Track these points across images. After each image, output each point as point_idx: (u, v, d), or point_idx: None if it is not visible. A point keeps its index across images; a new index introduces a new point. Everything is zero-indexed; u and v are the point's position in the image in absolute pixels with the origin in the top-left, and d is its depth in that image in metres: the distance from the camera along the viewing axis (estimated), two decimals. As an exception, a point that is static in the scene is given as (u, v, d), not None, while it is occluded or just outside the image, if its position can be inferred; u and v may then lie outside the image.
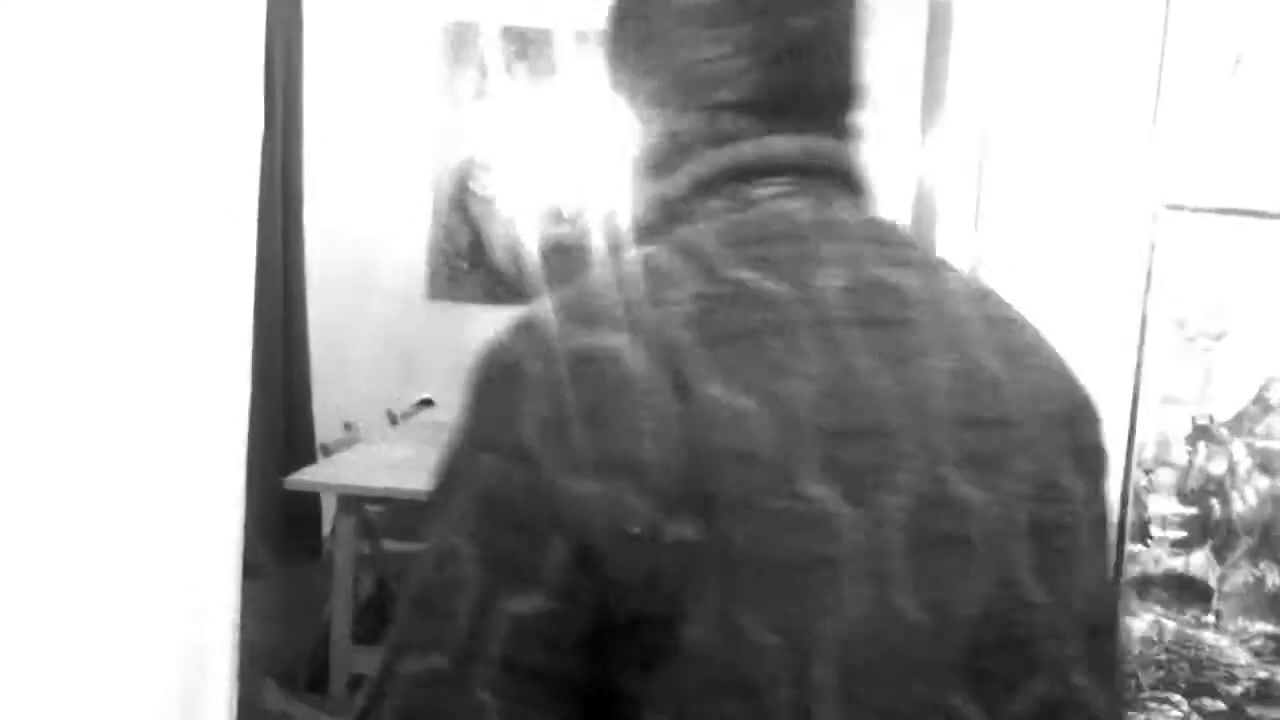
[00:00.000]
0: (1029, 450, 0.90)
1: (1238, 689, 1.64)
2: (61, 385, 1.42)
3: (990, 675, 0.85)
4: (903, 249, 0.92)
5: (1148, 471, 1.63)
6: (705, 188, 0.92)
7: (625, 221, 0.98)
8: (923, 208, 2.24)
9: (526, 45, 5.36)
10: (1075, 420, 0.94)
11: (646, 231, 0.94)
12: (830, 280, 0.86)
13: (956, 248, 1.67)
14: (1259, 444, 1.61)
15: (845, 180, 0.94)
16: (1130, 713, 1.67)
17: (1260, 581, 1.62)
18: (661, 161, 0.94)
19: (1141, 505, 1.63)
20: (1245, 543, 1.62)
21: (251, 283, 1.70)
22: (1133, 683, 1.66)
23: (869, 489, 0.82)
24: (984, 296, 0.94)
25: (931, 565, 0.83)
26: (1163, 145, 1.61)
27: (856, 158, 0.95)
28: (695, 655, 0.78)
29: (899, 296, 0.88)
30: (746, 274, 0.85)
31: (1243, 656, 1.63)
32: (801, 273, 0.85)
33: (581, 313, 0.83)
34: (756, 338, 0.82)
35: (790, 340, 0.83)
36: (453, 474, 0.84)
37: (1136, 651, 1.66)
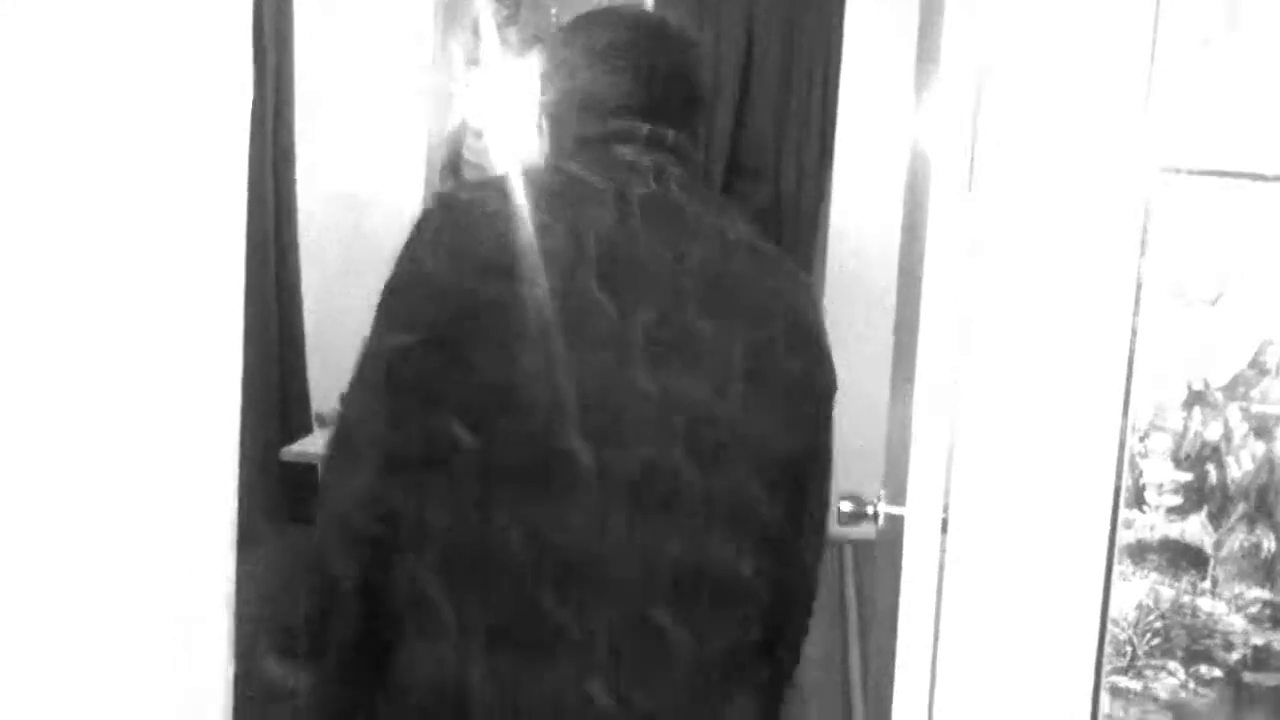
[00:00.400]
0: (753, 319, 1.44)
1: (1234, 655, 1.63)
2: (47, 353, 1.40)
3: (706, 454, 1.39)
4: (698, 192, 1.50)
5: (1142, 437, 1.62)
6: (585, 144, 1.51)
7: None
8: (916, 170, 2.22)
9: (519, 9, 5.31)
10: (796, 324, 1.49)
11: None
12: (640, 190, 1.44)
13: (950, 211, 1.65)
14: (1255, 408, 1.59)
15: (677, 154, 1.51)
16: (1126, 680, 1.67)
17: (1256, 547, 1.62)
18: (559, 136, 1.55)
19: (1136, 471, 1.62)
20: (1241, 508, 1.61)
21: (242, 250, 1.69)
22: (1129, 650, 1.66)
23: (629, 302, 1.38)
24: (750, 232, 1.50)
25: (665, 363, 1.38)
26: (1158, 107, 1.59)
27: (689, 142, 1.53)
28: (486, 375, 1.35)
29: (681, 211, 1.46)
30: (585, 174, 1.46)
31: (1239, 623, 1.63)
32: (624, 183, 1.44)
33: (471, 184, 1.56)
34: (579, 203, 1.42)
35: (600, 210, 1.42)
36: (383, 292, 1.43)
37: (1133, 619, 1.65)
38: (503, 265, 1.36)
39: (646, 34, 1.56)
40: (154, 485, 1.57)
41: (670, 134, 1.50)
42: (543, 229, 1.38)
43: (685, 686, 1.41)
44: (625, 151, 1.47)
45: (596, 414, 1.36)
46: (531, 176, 1.46)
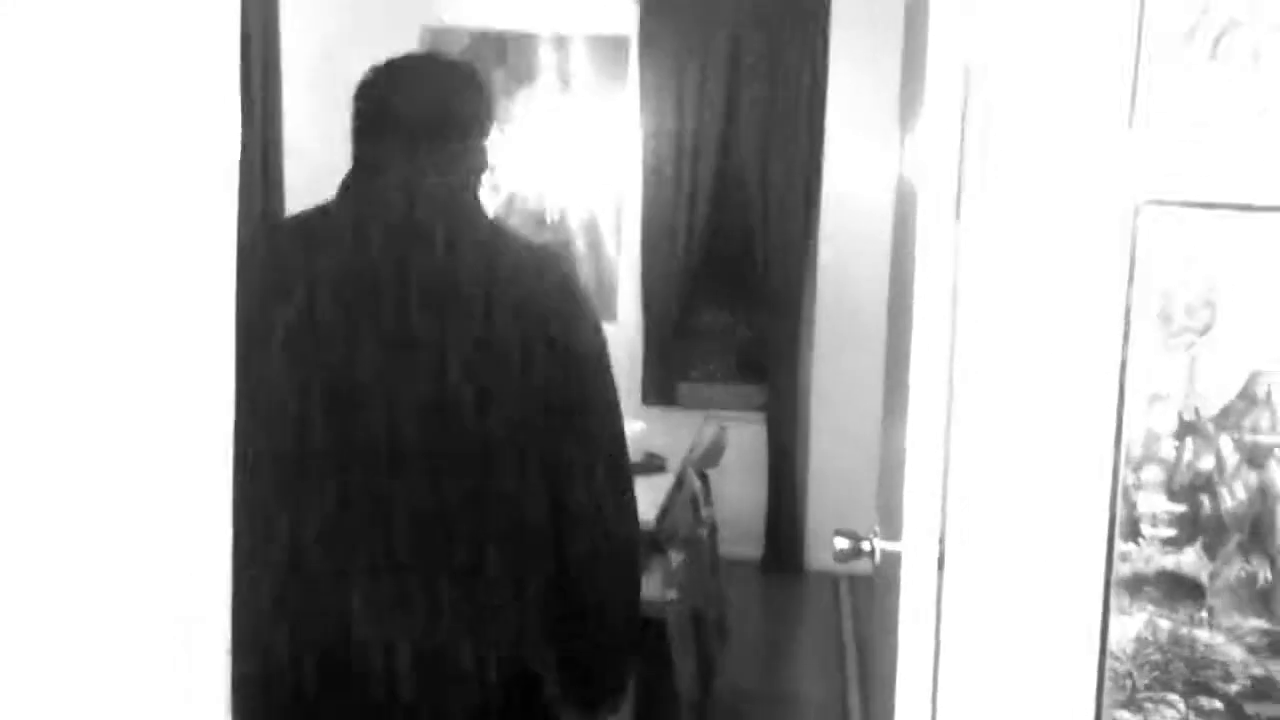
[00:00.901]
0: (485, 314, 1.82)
1: (1234, 687, 1.62)
2: (43, 358, 1.40)
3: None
4: (427, 212, 1.91)
5: (1136, 469, 1.62)
6: (347, 186, 1.99)
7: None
8: (903, 202, 2.23)
9: (506, 49, 5.34)
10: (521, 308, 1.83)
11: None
12: (391, 217, 1.91)
13: (938, 244, 1.66)
14: (1246, 438, 1.59)
15: (424, 176, 1.91)
16: (1127, 714, 1.66)
17: (1252, 577, 1.61)
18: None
19: (1131, 503, 1.62)
20: (1235, 538, 1.61)
21: (233, 258, 1.68)
22: (1128, 683, 1.65)
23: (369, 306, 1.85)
24: (479, 236, 1.94)
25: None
26: (1143, 138, 1.59)
27: (439, 167, 1.93)
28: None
29: (415, 245, 1.87)
30: (343, 211, 1.97)
31: (1237, 653, 1.62)
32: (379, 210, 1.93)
33: (292, 216, 2.16)
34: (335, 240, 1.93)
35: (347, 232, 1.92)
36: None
37: (1131, 652, 1.64)
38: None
39: (391, 73, 1.99)
40: (151, 485, 1.56)
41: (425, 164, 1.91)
42: (314, 257, 1.88)
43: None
44: (378, 180, 1.93)
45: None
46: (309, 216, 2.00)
